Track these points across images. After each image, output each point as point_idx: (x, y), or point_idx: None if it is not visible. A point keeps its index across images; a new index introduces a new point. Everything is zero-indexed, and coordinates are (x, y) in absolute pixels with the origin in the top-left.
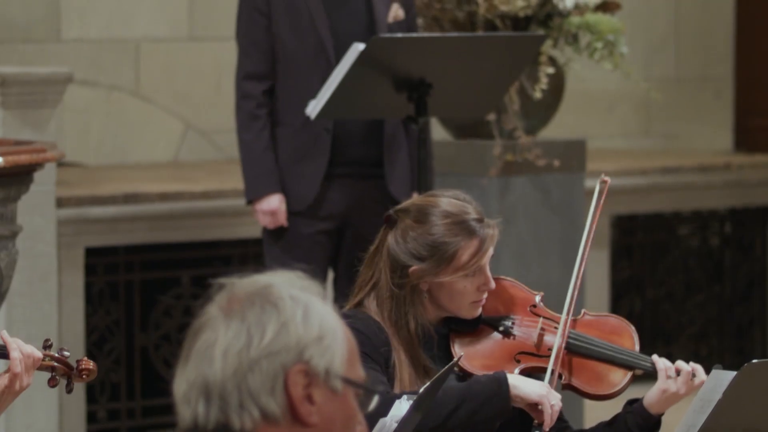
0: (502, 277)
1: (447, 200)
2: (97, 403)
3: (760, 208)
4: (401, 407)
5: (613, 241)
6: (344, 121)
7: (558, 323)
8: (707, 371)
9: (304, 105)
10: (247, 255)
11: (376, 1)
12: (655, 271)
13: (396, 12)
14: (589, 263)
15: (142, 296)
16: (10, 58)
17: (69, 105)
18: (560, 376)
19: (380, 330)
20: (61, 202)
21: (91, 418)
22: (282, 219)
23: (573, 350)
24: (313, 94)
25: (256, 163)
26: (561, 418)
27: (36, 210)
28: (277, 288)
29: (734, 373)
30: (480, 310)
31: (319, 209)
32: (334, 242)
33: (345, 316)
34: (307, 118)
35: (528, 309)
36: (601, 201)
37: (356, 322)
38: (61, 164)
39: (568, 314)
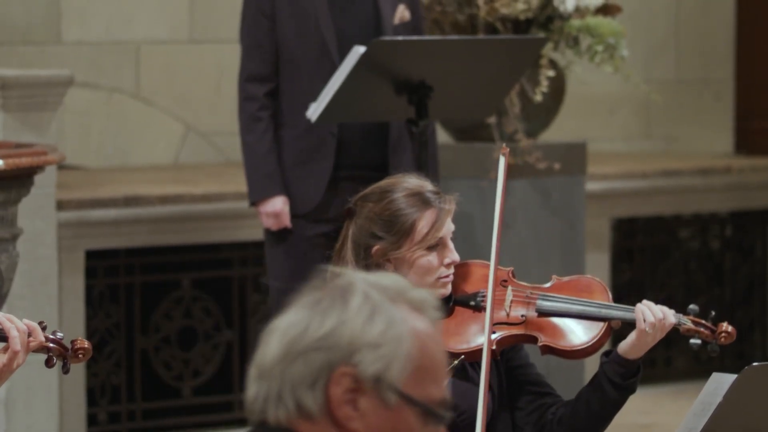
0: (474, 261)
1: (406, 179)
2: (97, 406)
3: (760, 211)
4: None
5: (613, 243)
6: (350, 124)
7: (527, 291)
8: (707, 376)
9: (308, 107)
10: (248, 258)
11: (382, 3)
12: (655, 274)
13: (402, 13)
14: (589, 266)
15: (143, 299)
16: (10, 61)
17: (69, 107)
18: (535, 339)
19: None
20: (61, 205)
21: (91, 420)
22: (285, 221)
23: (544, 311)
24: (316, 96)
25: (259, 165)
26: (543, 383)
27: (36, 213)
28: (359, 285)
29: (734, 376)
30: (450, 287)
31: (322, 212)
32: (333, 245)
33: None
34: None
35: (499, 282)
36: (505, 173)
37: None
38: (61, 167)
39: (496, 266)
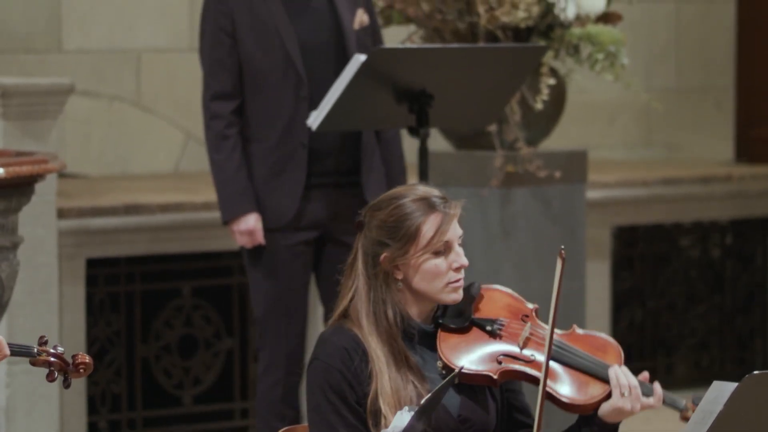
0: (501, 287)
1: (415, 188)
2: (98, 414)
3: (760, 219)
4: (403, 418)
5: (614, 251)
6: (320, 132)
7: (545, 332)
8: (708, 384)
9: (277, 120)
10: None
11: (341, 9)
12: (656, 282)
13: (361, 17)
14: (590, 274)
15: (143, 307)
16: (11, 69)
17: (70, 115)
18: (538, 382)
19: (355, 341)
20: (62, 213)
21: (92, 428)
22: (259, 238)
23: (554, 357)
24: (284, 109)
25: (229, 183)
26: (528, 412)
27: (37, 221)
28: None
29: (735, 384)
30: (461, 293)
31: (298, 222)
32: (313, 251)
33: (321, 341)
34: (282, 133)
35: (520, 317)
36: (561, 274)
37: (330, 349)
38: (62, 175)
39: (552, 328)
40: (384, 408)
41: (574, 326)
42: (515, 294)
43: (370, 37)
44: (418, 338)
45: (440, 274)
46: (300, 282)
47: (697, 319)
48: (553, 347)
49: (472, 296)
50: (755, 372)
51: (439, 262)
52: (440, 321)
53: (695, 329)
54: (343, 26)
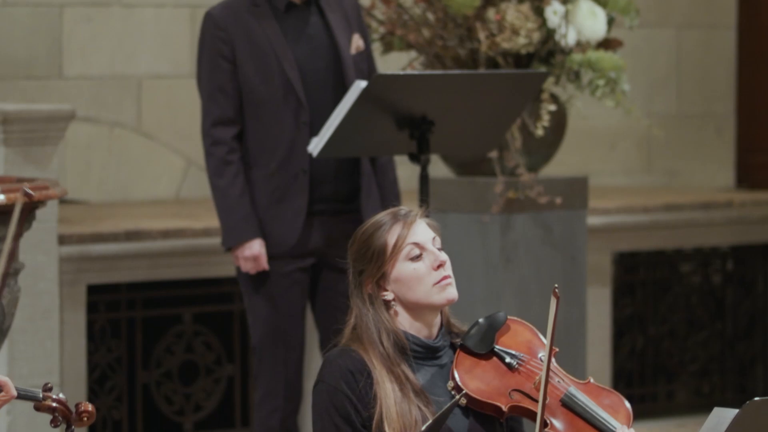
0: (527, 323)
1: (377, 215)
2: None
3: (761, 245)
4: None
5: (615, 278)
6: (321, 159)
7: (563, 378)
8: (708, 410)
9: (279, 146)
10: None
11: (338, 35)
12: (657, 309)
13: (357, 43)
14: (591, 300)
15: (144, 333)
16: (12, 95)
17: (71, 141)
18: (546, 424)
19: (360, 363)
20: (63, 240)
21: None
22: (264, 263)
23: (567, 404)
24: (285, 135)
25: (232, 209)
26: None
27: (38, 247)
28: None
29: (736, 411)
30: (453, 291)
31: (298, 248)
32: (310, 277)
33: (327, 363)
34: (283, 159)
35: (539, 356)
36: (555, 314)
37: (335, 371)
38: (63, 201)
39: (547, 367)
40: None
41: (590, 378)
42: (538, 332)
43: (366, 62)
44: (423, 355)
45: (422, 277)
46: (297, 309)
47: (698, 346)
48: (569, 390)
49: (497, 325)
50: (756, 399)
51: (418, 266)
52: (464, 343)
53: (696, 356)
54: (341, 51)
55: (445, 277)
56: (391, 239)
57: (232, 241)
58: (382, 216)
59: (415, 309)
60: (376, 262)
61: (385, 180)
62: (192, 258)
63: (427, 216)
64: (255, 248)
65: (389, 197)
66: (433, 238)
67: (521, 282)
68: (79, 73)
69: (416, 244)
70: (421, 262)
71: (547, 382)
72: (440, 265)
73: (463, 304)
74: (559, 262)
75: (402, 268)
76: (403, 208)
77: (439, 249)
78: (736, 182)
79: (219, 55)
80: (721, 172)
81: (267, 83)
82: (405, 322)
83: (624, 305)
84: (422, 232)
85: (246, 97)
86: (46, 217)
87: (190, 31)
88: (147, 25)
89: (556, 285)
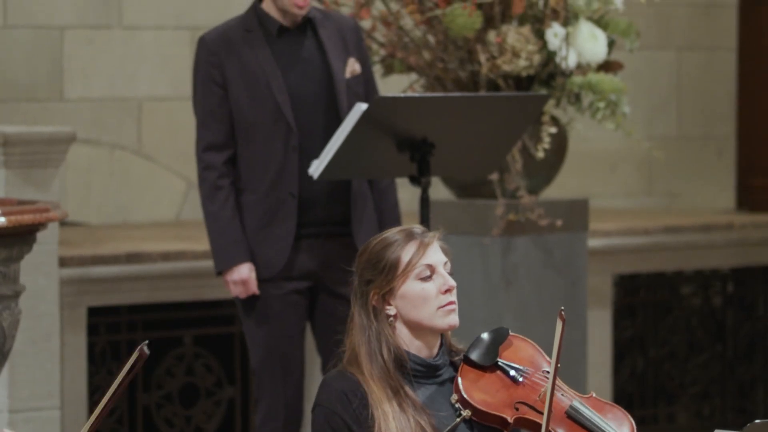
0: (528, 339)
1: (396, 228)
2: None
3: (762, 268)
4: None
5: (615, 300)
6: (309, 183)
7: (567, 392)
8: None
9: (268, 171)
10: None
11: (332, 58)
12: (657, 331)
13: (353, 66)
14: (592, 322)
15: None
16: (13, 117)
17: (71, 164)
18: None
19: (354, 383)
20: (63, 262)
21: None
22: (253, 287)
23: (572, 416)
24: (274, 159)
25: (223, 233)
26: None
27: (39, 270)
28: None
29: None
30: (456, 318)
31: (288, 272)
32: (307, 301)
33: (323, 386)
34: (272, 183)
35: (542, 371)
36: (561, 336)
37: (330, 393)
38: (63, 224)
39: (552, 389)
40: None
41: (592, 393)
42: (540, 348)
43: (363, 86)
44: (423, 373)
45: (429, 298)
46: (294, 331)
47: (699, 368)
48: (574, 403)
49: (501, 339)
50: (756, 421)
51: (427, 287)
52: (467, 357)
53: (697, 378)
54: (334, 76)
55: (450, 303)
56: (406, 256)
57: (222, 265)
58: (396, 232)
59: (416, 328)
60: (386, 275)
61: (385, 204)
62: (192, 280)
63: (441, 239)
64: (243, 272)
65: (389, 221)
66: (445, 263)
67: (522, 304)
68: (80, 96)
69: (429, 266)
70: (431, 283)
71: (552, 394)
72: (448, 290)
73: (464, 326)
74: (559, 285)
75: (411, 286)
76: (418, 227)
77: (449, 273)
78: (736, 204)
79: (210, 80)
80: (721, 195)
81: (257, 108)
82: (405, 339)
83: (624, 327)
84: (436, 254)
85: (237, 121)
86: (47, 239)
87: (191, 54)
88: (147, 47)
89: (563, 308)
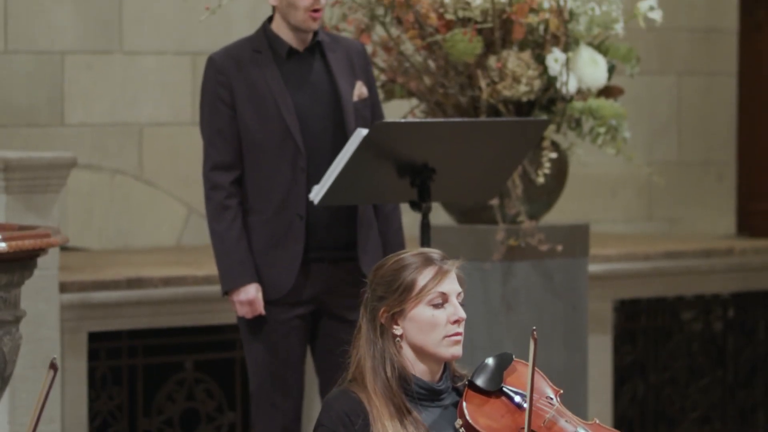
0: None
1: (418, 249)
2: None
3: (763, 293)
4: None
5: (616, 325)
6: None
7: (570, 419)
8: None
9: (275, 192)
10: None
11: (340, 81)
12: (658, 356)
13: (360, 90)
14: (592, 348)
15: (145, 381)
16: (13, 142)
17: (72, 189)
18: None
19: (357, 404)
20: (64, 287)
21: None
22: (260, 308)
23: None
24: (282, 180)
25: (229, 253)
26: None
27: (39, 295)
28: None
29: None
30: (460, 349)
31: (294, 296)
32: (309, 325)
33: (325, 406)
34: (279, 205)
35: (546, 397)
36: (534, 356)
37: (332, 414)
38: (64, 249)
39: (530, 411)
40: None
41: (595, 419)
42: (543, 374)
43: (369, 110)
44: (426, 396)
45: (437, 326)
46: (296, 356)
47: (700, 393)
48: (579, 430)
49: (505, 364)
50: None
51: (437, 314)
52: (471, 381)
53: (697, 403)
54: (342, 98)
55: (457, 333)
56: (422, 280)
57: (228, 285)
58: (414, 254)
59: (420, 353)
60: (399, 295)
61: (389, 229)
62: (193, 305)
63: (459, 269)
64: (250, 293)
65: (393, 246)
66: (459, 293)
67: (522, 329)
68: (81, 121)
69: (443, 294)
70: (442, 311)
71: (531, 413)
72: (457, 321)
73: (465, 351)
74: (560, 310)
75: (421, 311)
76: (437, 253)
77: (461, 304)
78: (737, 230)
79: (219, 100)
80: (722, 220)
81: (265, 128)
82: (409, 360)
83: (625, 352)
84: (452, 284)
85: (245, 142)
86: (48, 264)
87: (192, 79)
88: (148, 72)
89: (534, 327)
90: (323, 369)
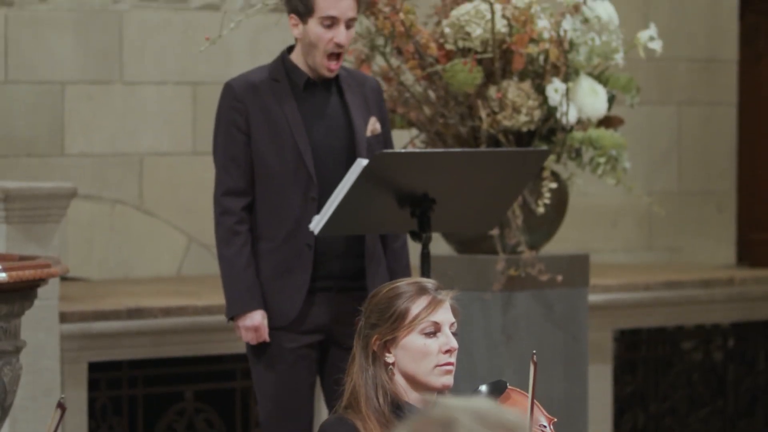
0: (525, 392)
1: (414, 277)
2: None
3: (763, 323)
4: None
5: (616, 355)
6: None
7: None
8: None
9: (285, 220)
10: (250, 370)
11: (355, 115)
12: (658, 386)
13: (374, 125)
14: (592, 378)
15: (146, 411)
16: (13, 172)
17: (73, 219)
18: None
19: (351, 428)
20: (64, 317)
21: None
22: (264, 334)
23: None
24: (292, 209)
25: (237, 279)
26: None
27: (39, 325)
28: (461, 424)
29: None
30: (451, 379)
31: (301, 324)
32: (318, 355)
33: (321, 431)
34: (289, 233)
35: (540, 425)
36: (534, 379)
37: None
38: (64, 279)
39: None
40: None
41: None
42: (538, 402)
43: (382, 145)
44: None
45: (429, 355)
46: (304, 385)
47: (700, 423)
48: None
49: (498, 392)
50: None
51: (429, 343)
52: None
53: None
54: (356, 133)
55: (449, 363)
56: (415, 309)
57: (234, 310)
58: (408, 283)
59: (412, 381)
60: (392, 323)
61: (398, 265)
62: (193, 336)
63: (453, 299)
64: (256, 319)
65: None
66: (452, 323)
67: (522, 359)
68: (81, 151)
69: (435, 323)
70: (434, 340)
71: None
72: (449, 351)
73: (465, 381)
74: (560, 340)
75: (413, 340)
76: (431, 282)
77: (454, 334)
78: (737, 259)
79: (234, 126)
80: (722, 250)
81: (278, 156)
82: (402, 388)
83: (625, 382)
84: (445, 313)
85: (257, 168)
86: (48, 294)
87: (192, 109)
88: (148, 102)
89: (534, 351)
90: (332, 399)
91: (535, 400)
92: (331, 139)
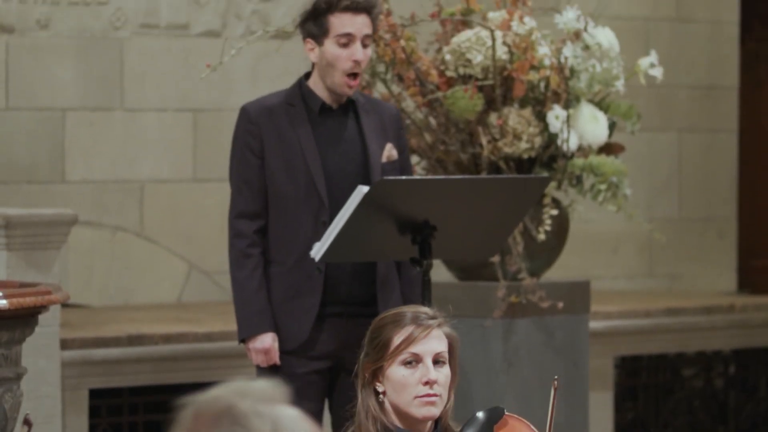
0: (524, 420)
1: (413, 306)
2: None
3: (764, 350)
4: None
5: (617, 382)
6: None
7: None
8: None
9: (296, 244)
10: None
11: (370, 141)
12: (659, 413)
13: (390, 152)
14: (593, 404)
15: None
16: (14, 199)
17: (73, 246)
18: None
19: None
20: (65, 344)
21: None
22: (275, 357)
23: None
24: (303, 233)
25: (249, 301)
26: None
27: (40, 352)
28: (241, 406)
29: None
30: (434, 410)
31: (311, 349)
32: (327, 381)
33: None
34: (300, 256)
35: None
36: (554, 402)
37: None
38: (65, 306)
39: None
40: None
41: None
42: (534, 428)
43: (398, 171)
44: None
45: (407, 386)
46: (313, 410)
47: None
48: None
49: (495, 419)
50: None
51: (407, 374)
52: None
53: None
54: (370, 158)
55: (429, 395)
56: (397, 339)
57: (245, 333)
58: (405, 311)
59: (399, 412)
60: (377, 352)
61: (413, 294)
62: (194, 362)
63: (448, 327)
64: (267, 342)
65: None
66: (439, 353)
67: (523, 386)
68: (82, 178)
69: (415, 354)
70: (413, 371)
71: None
72: (427, 383)
73: (466, 408)
74: (561, 367)
75: (395, 370)
76: (426, 313)
77: (441, 363)
78: (738, 286)
79: (248, 149)
80: (722, 277)
81: (291, 180)
82: (396, 416)
83: (626, 409)
84: (428, 344)
85: (270, 192)
86: (49, 321)
87: (192, 136)
88: (149, 129)
89: (556, 376)
90: (339, 426)
91: (532, 427)
92: (345, 163)
